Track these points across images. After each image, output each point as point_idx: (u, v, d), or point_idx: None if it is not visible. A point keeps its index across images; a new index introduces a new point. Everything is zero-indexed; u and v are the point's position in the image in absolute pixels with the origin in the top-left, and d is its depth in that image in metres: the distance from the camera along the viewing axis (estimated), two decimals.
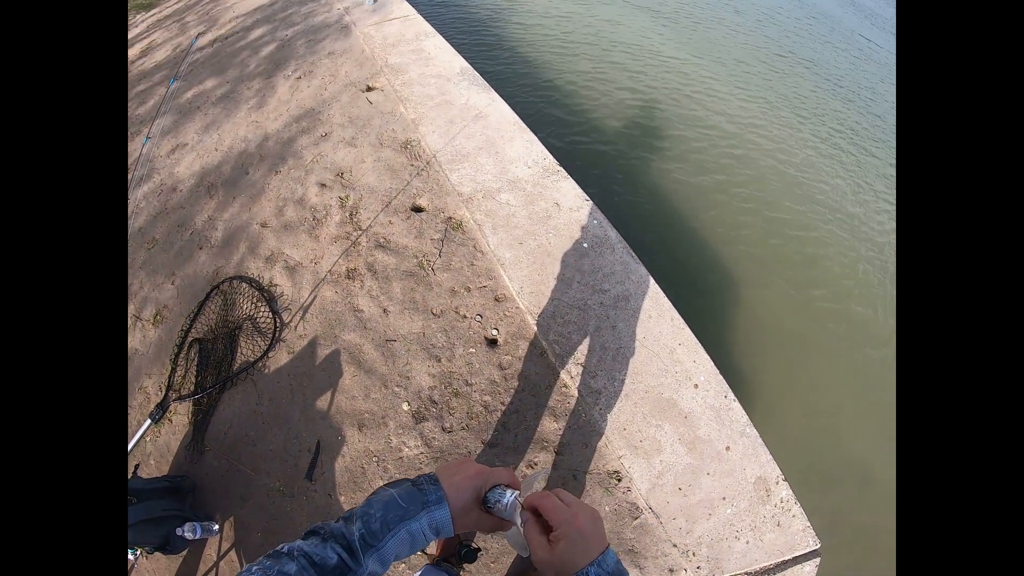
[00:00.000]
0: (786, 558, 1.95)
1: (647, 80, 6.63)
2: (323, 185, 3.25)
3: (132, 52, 6.40)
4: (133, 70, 5.80)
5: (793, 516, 2.03)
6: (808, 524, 2.01)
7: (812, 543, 1.98)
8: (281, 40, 5.22)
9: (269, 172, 3.47)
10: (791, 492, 2.06)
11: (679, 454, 2.12)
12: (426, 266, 2.68)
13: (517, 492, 0.67)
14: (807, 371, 3.64)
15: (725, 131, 5.87)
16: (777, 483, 2.08)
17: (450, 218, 2.88)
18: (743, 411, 2.22)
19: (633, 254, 2.70)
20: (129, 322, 2.90)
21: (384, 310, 2.57)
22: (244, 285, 2.81)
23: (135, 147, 4.14)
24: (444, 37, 4.88)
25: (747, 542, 1.96)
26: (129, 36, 7.08)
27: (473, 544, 1.78)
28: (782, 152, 5.75)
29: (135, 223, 3.47)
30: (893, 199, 5.47)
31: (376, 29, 5.07)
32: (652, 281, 2.59)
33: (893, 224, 5.14)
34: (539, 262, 2.65)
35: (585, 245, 2.72)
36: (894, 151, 6.59)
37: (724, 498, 2.04)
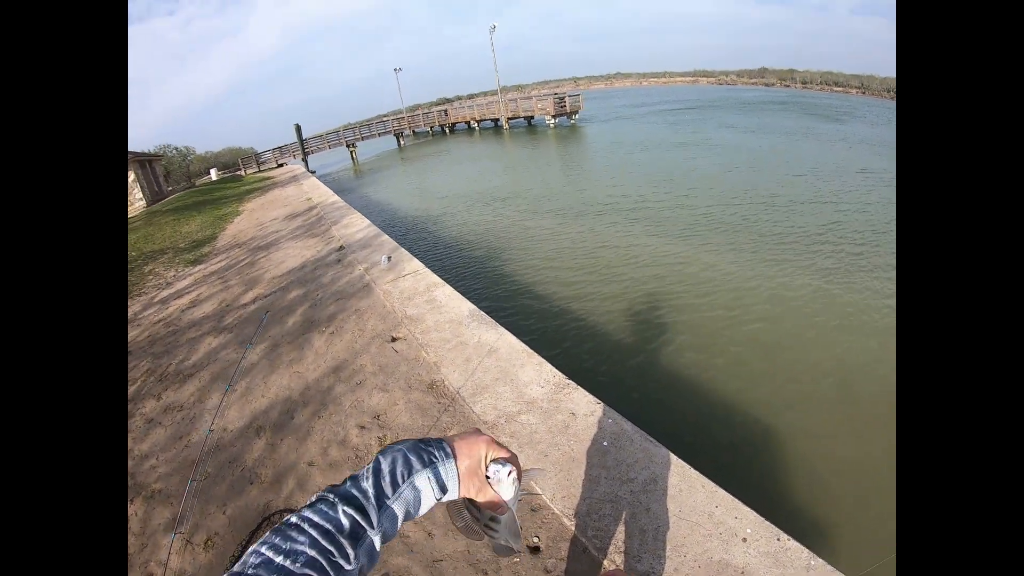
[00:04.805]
0: None
1: (640, 278, 8.29)
2: (362, 427, 3.89)
3: (181, 301, 7.69)
4: (183, 319, 6.89)
5: None
6: None
7: None
8: (314, 300, 6.39)
9: (312, 416, 4.13)
10: None
11: None
12: None
13: (515, 470, 0.72)
14: (873, 481, 4.00)
15: (720, 298, 7.31)
16: None
17: None
18: (801, 546, 2.43)
19: (652, 439, 3.22)
20: (179, 544, 3.23)
21: (428, 533, 2.99)
22: None
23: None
24: (452, 285, 6.04)
25: None
26: (179, 287, 8.50)
27: None
28: (781, 302, 7.10)
29: (186, 455, 3.99)
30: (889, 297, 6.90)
31: (393, 285, 6.26)
32: (675, 458, 3.05)
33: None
34: (565, 469, 3.16)
35: (605, 443, 3.27)
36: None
37: None
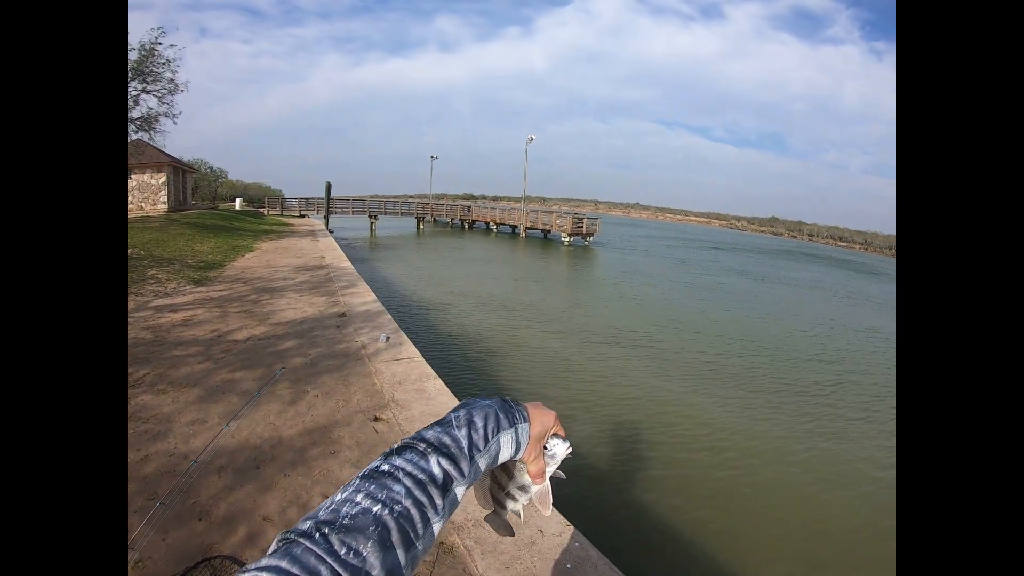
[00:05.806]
0: None
1: (628, 407, 8.63)
2: (326, 496, 3.98)
3: (176, 316, 7.88)
4: (172, 333, 7.02)
5: None
6: None
7: None
8: (306, 357, 6.60)
9: (278, 473, 4.20)
10: None
11: None
12: None
13: (571, 448, 0.76)
14: None
15: (712, 446, 7.63)
16: None
17: (442, 543, 3.56)
18: None
19: (615, 568, 3.30)
20: None
21: None
22: (236, 567, 3.27)
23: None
24: (443, 380, 6.25)
25: None
26: (177, 300, 8.70)
27: None
28: (775, 458, 7.40)
29: (142, 470, 4.00)
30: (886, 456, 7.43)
31: (386, 366, 6.50)
32: None
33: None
34: None
35: (568, 566, 3.34)
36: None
37: None
